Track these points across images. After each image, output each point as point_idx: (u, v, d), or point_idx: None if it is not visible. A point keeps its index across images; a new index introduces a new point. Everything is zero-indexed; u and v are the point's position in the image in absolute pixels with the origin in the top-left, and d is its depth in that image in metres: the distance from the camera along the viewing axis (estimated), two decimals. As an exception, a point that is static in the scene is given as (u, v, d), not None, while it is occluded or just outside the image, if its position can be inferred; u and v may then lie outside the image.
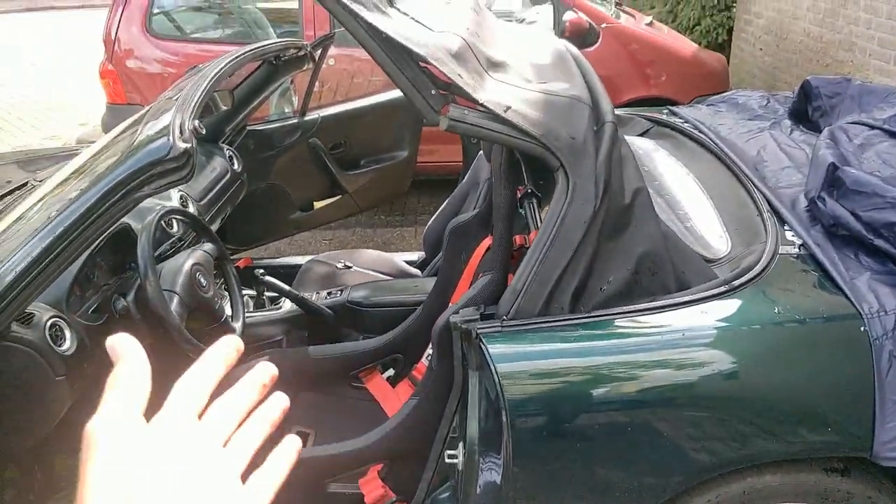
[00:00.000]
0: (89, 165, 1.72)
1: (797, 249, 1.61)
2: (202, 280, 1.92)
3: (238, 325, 2.05)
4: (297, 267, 2.97)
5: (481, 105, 1.44)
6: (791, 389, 1.44)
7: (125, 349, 0.51)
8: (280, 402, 0.54)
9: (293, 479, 1.66)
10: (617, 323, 1.48)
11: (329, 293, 2.49)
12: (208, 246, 2.06)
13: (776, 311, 1.46)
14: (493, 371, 1.45)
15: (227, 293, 2.14)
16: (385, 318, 2.35)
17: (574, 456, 1.48)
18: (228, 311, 2.09)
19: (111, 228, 1.64)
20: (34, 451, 2.13)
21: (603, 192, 1.50)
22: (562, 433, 1.47)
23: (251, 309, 2.45)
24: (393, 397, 2.20)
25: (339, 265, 2.90)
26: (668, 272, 1.57)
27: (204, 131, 1.68)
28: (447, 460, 1.66)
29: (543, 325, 1.48)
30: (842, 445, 1.46)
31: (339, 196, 3.40)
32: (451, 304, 1.94)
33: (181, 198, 2.34)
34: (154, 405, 0.49)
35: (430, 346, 1.72)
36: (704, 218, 1.89)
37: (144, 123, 1.67)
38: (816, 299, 1.49)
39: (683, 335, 1.46)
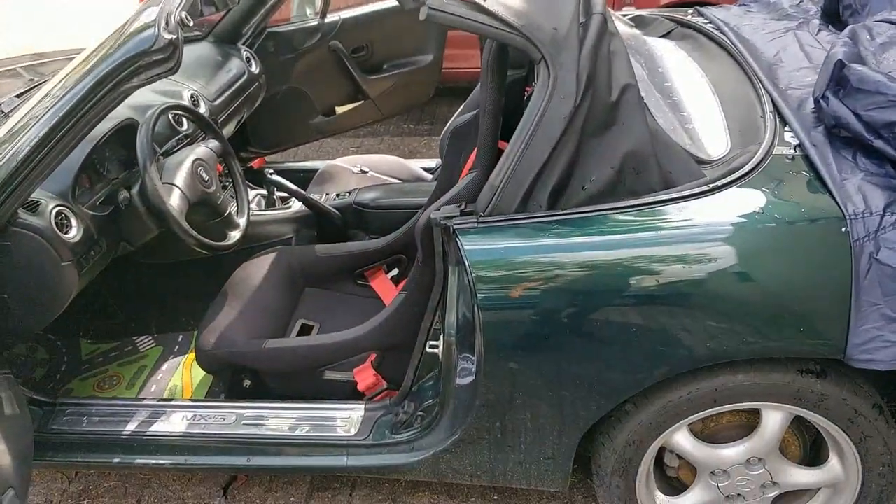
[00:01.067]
0: (87, 60, 1.76)
1: (792, 150, 1.56)
2: (204, 175, 1.98)
3: (242, 221, 2.11)
4: (315, 170, 3.01)
5: (460, -7, 1.41)
6: (767, 290, 1.42)
7: None
8: None
9: (292, 364, 1.73)
10: (593, 220, 1.48)
11: (338, 195, 2.53)
12: (213, 143, 2.11)
13: (757, 210, 1.43)
14: (467, 266, 1.47)
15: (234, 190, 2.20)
16: (390, 219, 2.39)
17: (548, 351, 1.51)
18: (234, 207, 2.15)
19: (106, 119, 1.69)
20: (59, 335, 2.29)
21: (585, 87, 1.47)
22: (534, 328, 1.49)
23: (262, 208, 2.51)
24: (395, 295, 2.26)
25: (356, 169, 2.93)
26: (653, 171, 1.54)
27: (191, 23, 1.69)
28: (428, 349, 1.72)
29: (519, 221, 1.48)
30: (816, 346, 1.45)
31: (362, 101, 3.39)
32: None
33: (192, 96, 2.38)
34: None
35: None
36: (708, 119, 1.83)
37: (136, 16, 1.69)
38: (801, 200, 1.45)
39: (658, 233, 1.44)
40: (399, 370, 1.87)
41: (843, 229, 1.38)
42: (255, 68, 2.85)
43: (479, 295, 1.47)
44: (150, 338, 2.43)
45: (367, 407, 1.85)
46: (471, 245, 1.49)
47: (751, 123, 1.73)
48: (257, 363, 1.92)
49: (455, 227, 1.50)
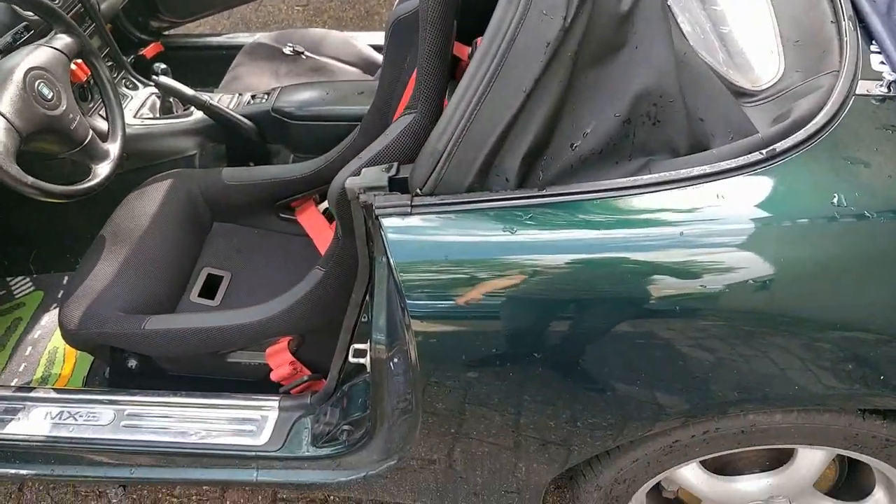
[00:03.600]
0: None
1: (886, 88, 1.04)
2: (45, 91, 1.41)
3: (114, 147, 1.57)
4: (236, 48, 2.40)
5: None
6: (839, 318, 0.96)
7: None
8: None
9: (182, 351, 1.26)
10: (586, 206, 0.98)
11: (253, 97, 1.95)
12: (61, 40, 1.51)
13: (835, 199, 0.94)
14: (392, 267, 0.99)
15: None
16: (322, 133, 1.85)
17: (512, 381, 1.07)
18: (103, 125, 1.60)
19: None
20: None
21: (581, -6, 0.92)
22: (493, 350, 1.04)
23: (157, 115, 1.94)
24: (329, 235, 1.78)
25: (287, 49, 2.33)
26: (677, 121, 1.04)
27: None
28: (351, 359, 1.28)
29: (473, 204, 0.98)
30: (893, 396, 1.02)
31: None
32: (394, 120, 1.43)
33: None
34: None
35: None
36: (751, 21, 1.29)
37: None
38: (902, 181, 0.96)
39: (683, 230, 0.96)
40: (323, 356, 1.44)
41: (967, 236, 0.90)
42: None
43: (408, 302, 1.00)
44: (28, 279, 1.95)
45: (281, 405, 1.43)
46: (399, 236, 1.00)
47: (815, 30, 1.20)
48: (136, 347, 1.48)
49: (378, 210, 1.00)
